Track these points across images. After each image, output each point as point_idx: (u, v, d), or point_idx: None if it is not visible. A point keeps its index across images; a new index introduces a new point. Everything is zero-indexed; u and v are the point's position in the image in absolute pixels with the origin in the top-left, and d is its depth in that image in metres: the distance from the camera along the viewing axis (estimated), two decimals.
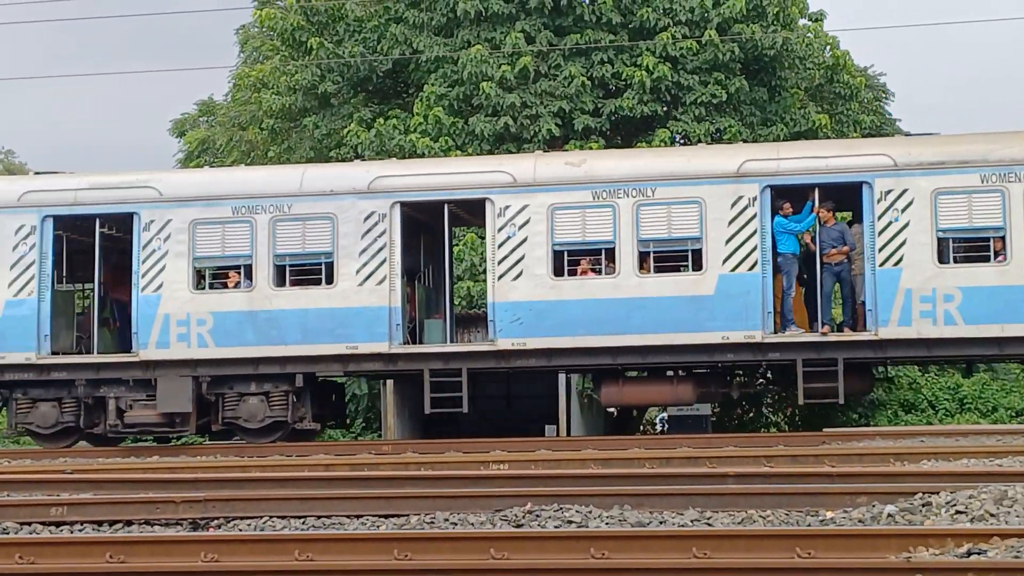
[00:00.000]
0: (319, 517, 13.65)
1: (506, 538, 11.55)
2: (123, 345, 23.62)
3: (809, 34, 32.55)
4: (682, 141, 31.09)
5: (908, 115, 75.70)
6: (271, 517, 13.69)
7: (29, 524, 13.71)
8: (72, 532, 13.54)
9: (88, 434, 23.41)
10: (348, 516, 13.66)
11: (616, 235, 21.76)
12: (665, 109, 30.97)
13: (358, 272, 22.16)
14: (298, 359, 22.34)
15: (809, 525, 12.50)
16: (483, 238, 24.87)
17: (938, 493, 12.75)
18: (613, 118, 30.97)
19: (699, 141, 29.74)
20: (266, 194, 22.58)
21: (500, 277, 22.03)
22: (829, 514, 12.80)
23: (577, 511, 13.03)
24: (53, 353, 22.92)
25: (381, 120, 31.34)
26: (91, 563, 11.44)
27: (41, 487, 15.87)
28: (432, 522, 13.23)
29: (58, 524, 13.85)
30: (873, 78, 40.16)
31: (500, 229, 22.02)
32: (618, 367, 22.71)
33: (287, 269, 22.58)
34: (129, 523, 13.85)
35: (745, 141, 29.86)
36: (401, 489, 14.52)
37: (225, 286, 22.76)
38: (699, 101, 30.42)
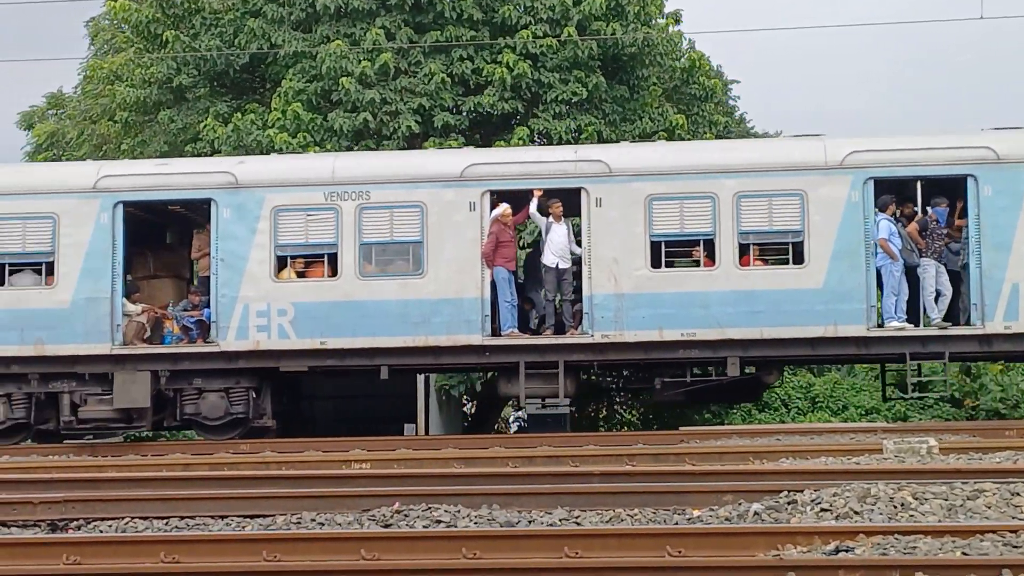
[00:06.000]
0: (183, 518, 13.44)
1: (376, 538, 11.49)
2: None
3: (668, 30, 32.79)
4: (541, 139, 31.15)
5: (763, 118, 76.70)
6: (133, 518, 13.44)
7: None
8: None
9: None
10: (212, 516, 13.47)
11: None
12: (525, 107, 30.98)
13: None
14: None
15: (676, 523, 12.59)
16: None
17: (802, 491, 12.92)
18: (473, 116, 30.94)
19: (559, 139, 29.84)
20: None
21: None
22: (696, 512, 12.90)
23: (446, 511, 12.99)
24: None
25: (238, 115, 30.94)
26: None
27: None
28: (299, 522, 13.10)
29: None
30: (726, 80, 40.68)
31: None
32: None
33: None
34: None
35: (605, 139, 30.04)
36: (265, 489, 14.34)
37: None
38: (559, 99, 30.48)
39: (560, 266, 22.72)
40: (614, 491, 13.70)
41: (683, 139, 31.01)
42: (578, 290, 22.57)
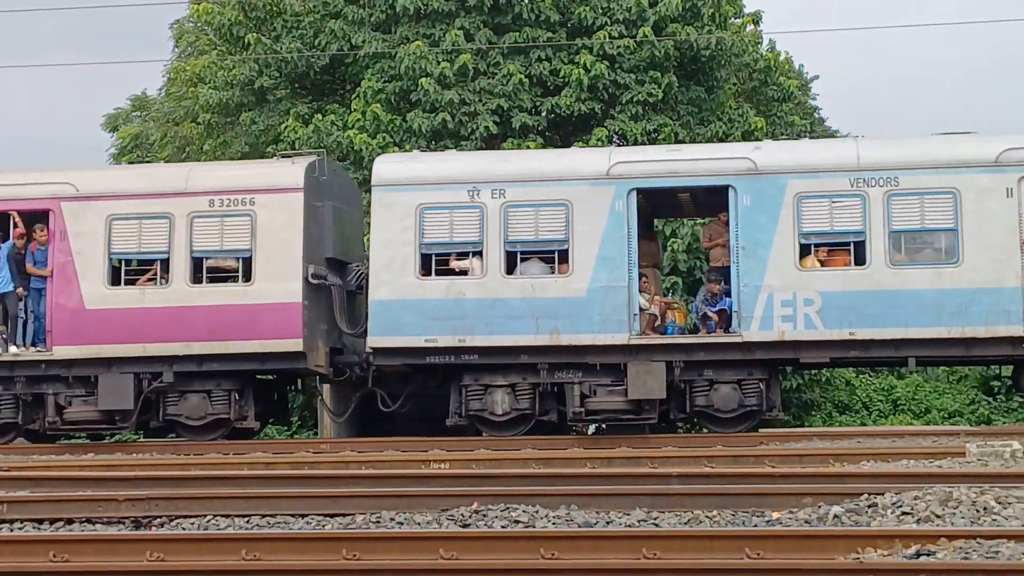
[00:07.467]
0: (264, 516, 13.57)
1: (455, 538, 11.54)
2: None
3: (743, 29, 32.64)
4: (618, 140, 31.09)
5: (841, 117, 76.07)
6: (215, 516, 13.60)
7: None
8: (12, 531, 13.36)
9: None
10: (293, 515, 13.59)
11: None
12: (602, 107, 30.96)
13: None
14: None
15: (756, 526, 12.55)
16: None
17: (883, 494, 12.83)
18: (551, 116, 30.98)
19: (635, 141, 29.77)
20: None
21: None
22: (775, 515, 12.86)
23: (524, 511, 13.03)
24: None
25: (319, 116, 31.17)
26: (34, 562, 11.32)
27: None
28: (378, 521, 13.19)
29: None
30: (805, 80, 40.41)
31: None
32: None
33: None
34: (70, 521, 13.70)
35: (681, 141, 29.92)
36: (345, 488, 14.45)
37: None
38: (635, 100, 30.44)
39: None
40: (693, 493, 13.68)
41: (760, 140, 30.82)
42: None
